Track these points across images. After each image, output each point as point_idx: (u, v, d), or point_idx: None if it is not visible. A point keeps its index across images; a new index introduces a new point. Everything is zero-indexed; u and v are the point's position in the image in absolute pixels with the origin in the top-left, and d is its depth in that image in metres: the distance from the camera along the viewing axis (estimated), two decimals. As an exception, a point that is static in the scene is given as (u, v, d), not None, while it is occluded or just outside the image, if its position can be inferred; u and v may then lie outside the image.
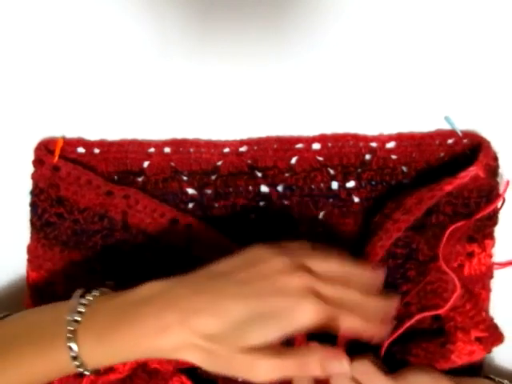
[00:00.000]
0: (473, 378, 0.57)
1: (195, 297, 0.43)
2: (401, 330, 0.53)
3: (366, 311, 0.44)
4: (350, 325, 0.43)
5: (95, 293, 0.46)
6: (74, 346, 0.42)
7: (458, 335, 0.55)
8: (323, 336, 0.50)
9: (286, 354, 0.42)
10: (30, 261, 0.56)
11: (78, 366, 0.43)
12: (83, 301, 0.44)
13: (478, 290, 0.57)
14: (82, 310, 0.44)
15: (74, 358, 0.43)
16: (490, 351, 0.56)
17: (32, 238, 0.56)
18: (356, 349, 0.49)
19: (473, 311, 0.55)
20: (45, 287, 0.56)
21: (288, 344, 0.46)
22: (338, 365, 0.43)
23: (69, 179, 0.54)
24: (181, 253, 0.55)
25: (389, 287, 0.55)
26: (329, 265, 0.45)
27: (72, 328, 0.43)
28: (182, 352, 0.42)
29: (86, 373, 0.44)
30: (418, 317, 0.54)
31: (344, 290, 0.44)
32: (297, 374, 0.43)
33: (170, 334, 0.41)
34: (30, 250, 0.56)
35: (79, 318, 0.43)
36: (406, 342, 0.54)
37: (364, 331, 0.44)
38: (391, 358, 0.54)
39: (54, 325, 0.44)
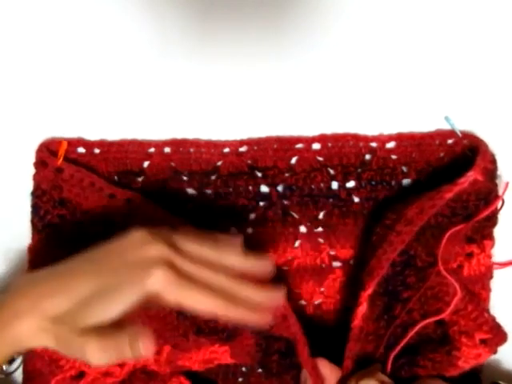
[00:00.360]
0: None
1: (48, 281, 0.42)
2: (405, 339, 0.53)
3: (231, 296, 0.42)
4: (202, 303, 0.41)
5: None
6: None
7: (463, 340, 0.55)
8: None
9: (121, 333, 0.40)
10: (31, 262, 0.56)
11: None
12: None
13: (477, 290, 0.57)
14: None
15: None
16: (495, 352, 0.56)
17: (33, 238, 0.56)
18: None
19: (475, 312, 0.55)
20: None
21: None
22: (144, 347, 0.40)
23: (72, 181, 0.54)
24: None
25: (390, 295, 0.55)
26: (200, 247, 0.43)
27: None
28: (37, 338, 0.41)
29: None
30: (421, 324, 0.54)
31: (205, 270, 0.42)
32: (118, 358, 0.40)
33: (22, 321, 0.41)
34: (32, 250, 0.56)
35: None
36: (412, 354, 0.54)
37: (222, 314, 0.42)
38: (399, 372, 0.55)
39: None
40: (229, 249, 0.44)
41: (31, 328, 0.41)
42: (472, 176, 0.51)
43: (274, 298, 0.45)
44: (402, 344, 0.53)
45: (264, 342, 0.56)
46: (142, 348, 0.40)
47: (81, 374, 0.55)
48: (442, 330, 0.55)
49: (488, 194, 0.55)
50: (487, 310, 0.57)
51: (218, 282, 0.42)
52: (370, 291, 0.53)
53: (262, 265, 0.45)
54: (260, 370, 0.60)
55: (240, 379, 0.61)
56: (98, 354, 0.39)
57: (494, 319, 0.57)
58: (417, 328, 0.54)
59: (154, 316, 0.55)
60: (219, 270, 0.43)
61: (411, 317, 0.55)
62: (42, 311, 0.41)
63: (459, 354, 0.55)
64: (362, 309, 0.54)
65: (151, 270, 0.40)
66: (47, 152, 0.55)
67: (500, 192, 0.55)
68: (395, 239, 0.52)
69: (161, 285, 0.40)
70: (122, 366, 0.55)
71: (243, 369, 0.61)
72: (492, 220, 0.56)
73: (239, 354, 0.57)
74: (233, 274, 0.43)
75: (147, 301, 0.40)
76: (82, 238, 0.55)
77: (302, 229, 0.58)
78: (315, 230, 0.58)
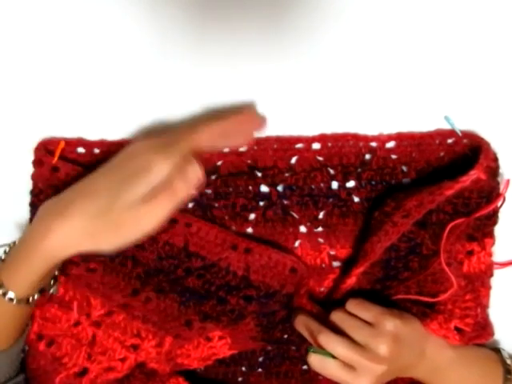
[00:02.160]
0: (476, 347, 0.58)
1: (70, 192, 0.49)
2: (396, 296, 0.56)
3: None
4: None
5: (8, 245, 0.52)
6: None
7: (439, 318, 0.56)
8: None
9: (156, 197, 0.46)
10: None
11: (3, 294, 0.48)
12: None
13: (477, 287, 0.57)
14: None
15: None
16: (468, 344, 0.57)
17: None
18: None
19: (469, 303, 0.56)
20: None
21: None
22: (192, 170, 0.48)
23: (68, 180, 0.54)
24: (180, 252, 0.55)
25: (388, 274, 0.56)
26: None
27: None
28: (70, 244, 0.47)
29: (12, 297, 0.48)
30: (413, 297, 0.55)
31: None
32: (174, 203, 0.47)
33: (51, 232, 0.46)
34: None
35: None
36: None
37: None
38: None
39: None
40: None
41: (65, 237, 0.46)
42: (475, 174, 0.51)
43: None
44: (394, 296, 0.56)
45: (264, 318, 0.56)
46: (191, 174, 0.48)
47: (84, 371, 0.55)
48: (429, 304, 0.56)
49: (490, 192, 0.55)
50: (483, 307, 0.58)
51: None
52: (361, 269, 0.54)
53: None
54: (260, 370, 0.61)
55: (240, 379, 0.61)
56: (156, 214, 0.46)
57: (485, 318, 0.57)
58: (407, 297, 0.55)
59: (153, 309, 0.55)
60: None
61: (407, 291, 0.56)
62: (71, 220, 0.46)
63: (429, 323, 0.56)
64: (351, 281, 0.55)
65: (154, 160, 0.46)
66: (44, 151, 0.55)
67: (501, 190, 0.55)
68: (390, 229, 0.52)
69: (167, 164, 0.46)
70: (123, 360, 0.55)
71: (243, 369, 0.61)
72: (493, 218, 0.56)
73: (239, 343, 0.57)
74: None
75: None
76: None
77: (302, 229, 0.58)
78: (315, 230, 0.58)
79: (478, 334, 0.57)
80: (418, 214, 0.52)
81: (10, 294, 0.48)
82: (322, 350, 0.52)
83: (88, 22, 0.55)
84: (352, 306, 0.55)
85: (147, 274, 0.54)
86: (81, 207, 0.46)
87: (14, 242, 0.51)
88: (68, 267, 0.55)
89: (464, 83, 0.57)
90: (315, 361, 0.53)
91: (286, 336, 0.58)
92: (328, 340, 0.52)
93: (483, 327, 0.57)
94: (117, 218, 0.46)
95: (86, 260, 0.55)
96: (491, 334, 0.58)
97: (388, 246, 0.53)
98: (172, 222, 0.54)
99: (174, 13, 0.55)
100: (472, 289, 0.56)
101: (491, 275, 0.58)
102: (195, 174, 0.48)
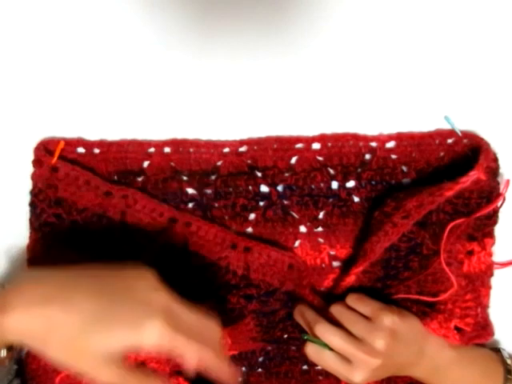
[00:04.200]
0: (477, 347, 0.58)
1: (51, 287, 0.43)
2: (396, 296, 0.55)
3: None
4: (190, 359, 0.43)
5: None
6: None
7: (439, 318, 0.55)
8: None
9: (133, 373, 0.43)
10: (29, 260, 0.56)
11: None
12: None
13: (477, 287, 0.57)
14: None
15: None
16: (468, 345, 0.57)
17: (31, 237, 0.56)
18: None
19: (470, 303, 0.56)
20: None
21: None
22: None
23: (67, 180, 0.54)
24: (179, 251, 0.55)
25: (388, 274, 0.56)
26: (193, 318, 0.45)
27: None
28: (35, 339, 0.42)
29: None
30: (413, 296, 0.55)
31: (199, 328, 0.44)
32: None
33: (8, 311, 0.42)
34: (30, 249, 0.56)
35: None
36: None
37: (213, 368, 0.45)
38: None
39: None
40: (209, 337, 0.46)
41: (16, 325, 0.42)
42: (475, 175, 0.51)
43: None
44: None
45: (264, 318, 0.56)
46: None
47: None
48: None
49: (490, 192, 0.55)
50: (483, 307, 0.58)
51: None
52: (360, 269, 0.54)
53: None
54: (260, 370, 0.61)
55: (240, 379, 0.61)
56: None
57: (485, 318, 0.57)
58: (407, 296, 0.55)
59: None
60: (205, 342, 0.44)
61: (408, 291, 0.56)
62: (61, 323, 0.42)
63: (429, 323, 0.56)
64: (350, 279, 0.55)
65: (150, 320, 0.42)
66: (44, 151, 0.55)
67: (501, 190, 0.55)
68: (390, 230, 0.52)
69: (156, 338, 0.41)
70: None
71: (243, 369, 0.61)
72: (493, 218, 0.56)
73: (239, 343, 0.57)
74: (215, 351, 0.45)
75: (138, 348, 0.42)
76: (78, 236, 0.55)
77: (302, 229, 0.58)
78: (315, 230, 0.58)
79: (478, 333, 0.57)
80: (418, 215, 0.52)
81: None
82: (318, 340, 0.53)
83: (88, 21, 0.55)
84: (351, 300, 0.55)
85: None
86: (63, 319, 0.42)
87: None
88: None
89: (464, 83, 0.57)
90: (312, 351, 0.53)
91: (286, 335, 0.58)
92: (324, 330, 0.52)
93: (483, 327, 0.57)
94: (82, 353, 0.42)
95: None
96: (491, 334, 0.58)
97: (388, 246, 0.53)
98: (172, 221, 0.54)
99: (174, 13, 0.55)
100: (472, 288, 0.56)
101: (491, 275, 0.58)
102: None
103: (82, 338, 0.41)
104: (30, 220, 0.56)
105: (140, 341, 0.41)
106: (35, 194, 0.55)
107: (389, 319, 0.52)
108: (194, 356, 0.43)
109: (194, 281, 0.54)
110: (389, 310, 0.53)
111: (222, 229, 0.55)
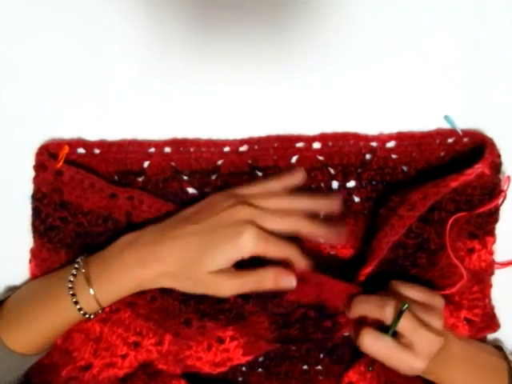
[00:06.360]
0: (479, 344, 0.58)
1: (158, 242, 0.51)
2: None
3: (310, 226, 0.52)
4: (282, 252, 0.51)
5: (82, 257, 0.53)
6: (73, 293, 0.51)
7: (450, 307, 0.56)
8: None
9: (244, 273, 0.50)
10: (35, 265, 0.56)
11: (79, 310, 0.51)
12: (75, 265, 0.53)
13: (481, 280, 0.57)
14: (76, 266, 0.52)
15: (76, 303, 0.51)
16: (476, 337, 0.57)
17: (35, 242, 0.56)
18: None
19: (477, 294, 0.56)
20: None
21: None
22: (288, 280, 0.51)
23: (72, 183, 0.54)
24: None
25: (398, 271, 0.56)
26: (272, 200, 0.52)
27: (71, 279, 0.52)
28: (160, 280, 0.51)
29: (88, 315, 0.52)
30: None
31: (283, 219, 0.51)
32: (254, 288, 0.51)
33: (148, 267, 0.50)
34: (35, 253, 0.56)
35: (75, 272, 0.52)
36: None
37: (310, 234, 0.52)
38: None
39: (56, 281, 0.53)
40: (295, 195, 0.53)
41: (155, 272, 0.50)
42: (480, 168, 0.51)
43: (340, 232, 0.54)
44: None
45: (280, 317, 0.55)
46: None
47: (88, 366, 0.55)
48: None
49: (493, 188, 0.55)
50: (490, 300, 0.58)
51: (295, 225, 0.51)
52: (369, 269, 0.54)
53: (328, 202, 0.54)
54: (260, 370, 0.60)
55: (240, 379, 0.61)
56: (231, 288, 0.50)
57: (492, 308, 0.58)
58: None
59: (157, 308, 0.55)
60: (293, 213, 0.52)
61: None
62: (163, 260, 0.50)
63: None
64: (361, 280, 0.55)
65: (242, 233, 0.49)
66: (47, 155, 0.55)
67: (502, 187, 0.55)
68: (397, 223, 0.52)
69: (253, 245, 0.49)
70: (124, 357, 0.55)
71: (243, 368, 0.61)
72: (494, 216, 0.56)
73: (253, 344, 0.56)
74: (305, 214, 0.52)
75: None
76: (84, 238, 0.55)
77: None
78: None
79: (487, 324, 0.57)
80: (423, 207, 0.52)
81: (86, 315, 0.52)
82: (394, 321, 0.50)
83: (88, 22, 0.55)
84: (398, 285, 0.53)
85: None
86: (173, 254, 0.50)
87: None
88: None
89: (464, 83, 0.57)
90: (369, 338, 0.51)
91: (302, 335, 0.56)
92: (404, 286, 0.53)
93: (492, 317, 0.58)
94: (199, 277, 0.50)
95: None
96: (498, 325, 0.58)
97: (396, 244, 0.53)
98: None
99: (174, 12, 0.55)
100: (478, 281, 0.56)
101: (492, 273, 0.58)
102: (289, 284, 0.51)
103: (196, 268, 0.49)
104: (34, 225, 0.56)
105: (241, 251, 0.49)
106: (39, 198, 0.55)
107: (441, 301, 0.52)
108: (285, 252, 0.51)
109: None
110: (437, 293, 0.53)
111: None
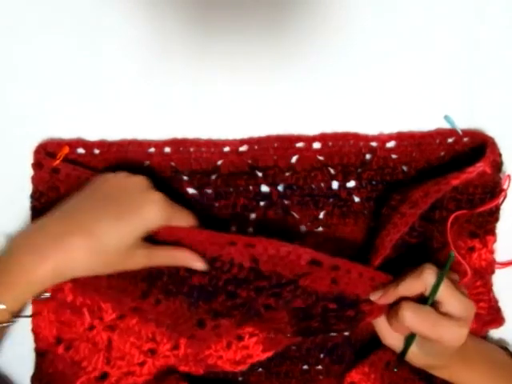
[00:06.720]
0: (487, 343, 0.58)
1: (64, 220, 0.50)
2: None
3: None
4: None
5: None
6: None
7: None
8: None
9: (158, 247, 0.50)
10: None
11: None
12: None
13: (484, 275, 0.57)
14: None
15: None
16: (482, 331, 0.57)
17: None
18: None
19: (481, 288, 0.56)
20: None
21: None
22: (198, 265, 0.50)
23: (69, 180, 0.54)
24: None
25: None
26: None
27: None
28: (73, 272, 0.49)
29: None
30: None
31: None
32: (166, 263, 0.51)
33: (51, 263, 0.47)
34: None
35: None
36: None
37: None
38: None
39: None
40: None
41: (76, 261, 0.48)
42: (481, 167, 0.51)
43: None
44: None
45: (301, 311, 0.53)
46: None
47: (104, 375, 0.55)
48: None
49: (494, 187, 0.55)
50: (493, 293, 0.58)
51: None
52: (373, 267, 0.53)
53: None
54: (260, 370, 0.60)
55: (240, 379, 0.61)
56: (142, 259, 0.50)
57: (496, 302, 0.57)
58: None
59: (164, 311, 0.54)
60: None
61: None
62: (82, 248, 0.48)
63: None
64: None
65: (146, 201, 0.49)
66: (44, 153, 0.55)
67: (502, 185, 0.55)
68: (399, 221, 0.52)
69: (156, 213, 0.49)
70: (141, 364, 0.55)
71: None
72: (495, 215, 0.56)
73: (272, 340, 0.55)
74: None
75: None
76: None
77: (303, 229, 0.58)
78: (315, 230, 0.58)
79: (493, 317, 0.57)
80: (425, 204, 0.51)
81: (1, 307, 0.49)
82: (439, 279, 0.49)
83: (88, 22, 0.55)
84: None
85: (150, 277, 0.53)
86: (81, 244, 0.48)
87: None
88: None
89: (464, 83, 0.57)
90: (411, 311, 0.49)
91: (323, 326, 0.54)
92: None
93: (497, 311, 0.57)
94: (114, 258, 0.49)
95: None
96: (503, 319, 0.58)
97: (399, 243, 0.53)
98: None
99: (174, 12, 0.55)
100: (481, 276, 0.56)
101: (492, 272, 0.58)
102: (199, 266, 0.51)
103: (102, 247, 0.48)
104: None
105: (145, 222, 0.48)
106: (37, 197, 0.55)
107: (457, 277, 0.52)
108: (189, 221, 0.51)
109: (200, 279, 0.53)
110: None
111: (214, 232, 0.52)
